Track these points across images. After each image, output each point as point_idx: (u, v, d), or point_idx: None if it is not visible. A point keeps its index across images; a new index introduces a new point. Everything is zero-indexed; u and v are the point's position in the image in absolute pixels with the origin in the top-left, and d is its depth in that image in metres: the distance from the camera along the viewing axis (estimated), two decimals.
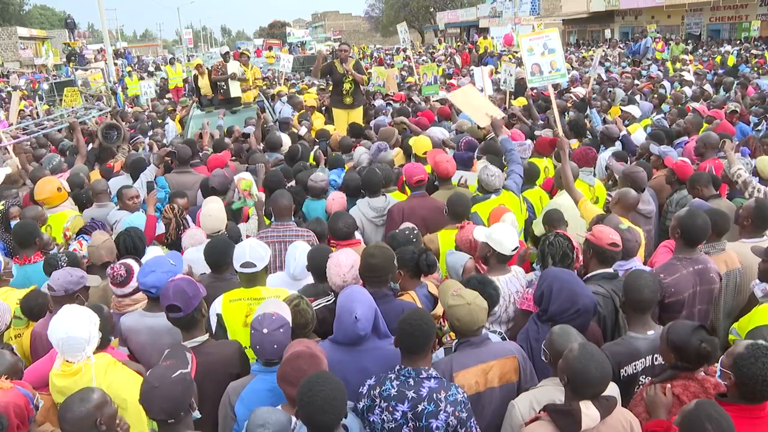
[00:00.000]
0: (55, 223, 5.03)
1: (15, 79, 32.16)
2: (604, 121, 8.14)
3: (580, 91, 9.86)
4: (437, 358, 2.96)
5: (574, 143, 6.57)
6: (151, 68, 33.45)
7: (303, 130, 8.04)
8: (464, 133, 6.97)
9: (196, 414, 2.46)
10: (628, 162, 5.78)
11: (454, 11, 47.96)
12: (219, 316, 3.37)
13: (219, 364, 2.96)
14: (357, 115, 9.15)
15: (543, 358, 2.76)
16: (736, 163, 5.06)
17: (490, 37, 27.00)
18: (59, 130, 9.66)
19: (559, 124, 5.93)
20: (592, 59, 13.80)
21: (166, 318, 3.05)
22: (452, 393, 2.56)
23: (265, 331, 2.69)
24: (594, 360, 2.37)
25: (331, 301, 3.34)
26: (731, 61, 16.81)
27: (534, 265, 3.77)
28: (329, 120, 9.65)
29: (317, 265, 3.59)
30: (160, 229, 4.80)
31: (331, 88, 9.40)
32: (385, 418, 2.56)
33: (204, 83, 10.79)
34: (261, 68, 16.54)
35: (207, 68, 11.09)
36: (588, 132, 7.36)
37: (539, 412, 2.48)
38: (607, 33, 31.27)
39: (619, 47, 23.40)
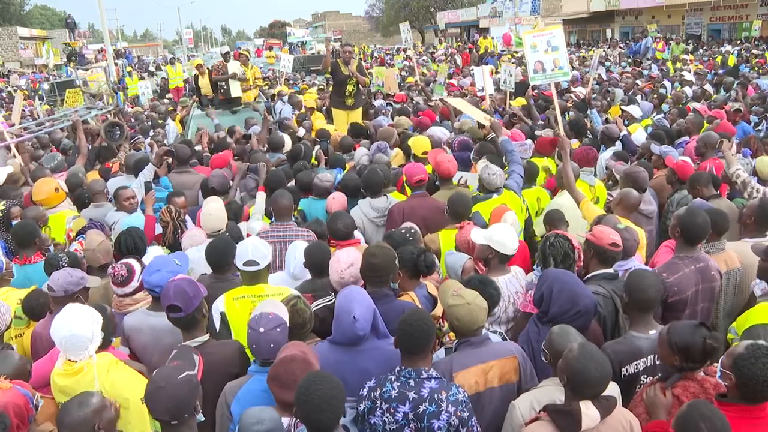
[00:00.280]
0: (54, 224, 5.03)
1: (15, 79, 32.19)
2: (606, 121, 8.15)
3: (581, 91, 9.86)
4: (438, 358, 2.96)
5: (575, 143, 6.56)
6: (151, 68, 33.49)
7: (302, 131, 8.03)
8: (464, 132, 6.97)
9: (200, 417, 2.46)
10: (629, 162, 5.78)
11: (455, 11, 47.97)
12: (222, 314, 3.38)
13: (220, 364, 2.96)
14: (357, 116, 9.16)
15: (543, 359, 2.76)
16: (734, 163, 5.06)
17: (491, 36, 27.00)
18: (61, 129, 9.66)
19: (561, 124, 5.93)
20: (592, 59, 13.78)
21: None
22: (453, 393, 2.56)
23: (261, 330, 2.69)
24: (594, 360, 2.37)
25: (332, 300, 3.33)
26: (732, 61, 16.80)
27: (534, 266, 3.77)
28: (329, 120, 9.65)
29: (314, 261, 3.61)
30: (159, 229, 4.80)
31: (331, 89, 9.39)
32: (386, 419, 2.56)
33: (204, 83, 10.79)
34: (261, 68, 16.55)
35: (207, 68, 11.09)
36: (588, 132, 7.36)
37: (539, 412, 2.48)
38: (608, 33, 31.27)
39: (620, 47, 23.40)
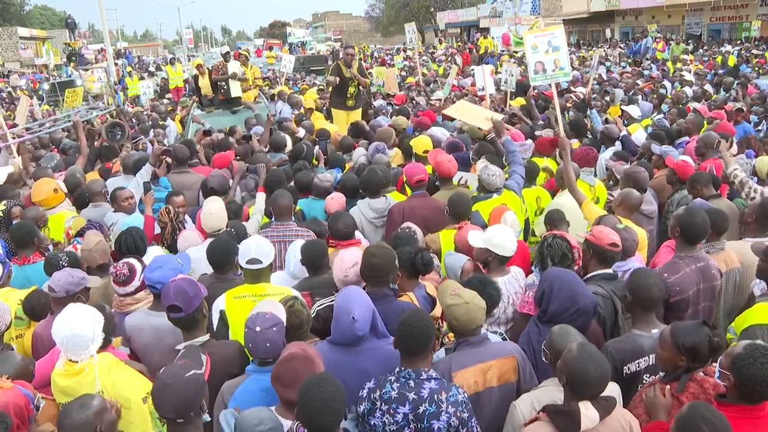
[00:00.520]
0: (53, 225, 5.03)
1: (15, 79, 32.18)
2: (605, 121, 8.15)
3: (581, 91, 9.87)
4: (438, 358, 2.96)
5: (575, 143, 6.56)
6: (151, 68, 33.50)
7: (301, 132, 8.03)
8: (465, 132, 6.97)
9: (206, 417, 2.46)
10: (629, 162, 5.78)
11: (455, 11, 47.93)
12: (222, 312, 3.38)
13: (220, 364, 2.96)
14: (356, 116, 9.17)
15: (543, 359, 2.76)
16: (732, 163, 5.07)
17: (491, 36, 27.01)
18: (64, 129, 9.68)
19: (561, 124, 5.93)
20: (592, 59, 13.80)
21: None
22: (453, 393, 2.56)
23: (258, 329, 2.70)
24: (593, 360, 2.37)
25: (335, 300, 3.34)
26: (732, 61, 16.80)
27: (533, 267, 3.77)
28: (329, 120, 9.64)
29: (310, 257, 3.62)
30: (158, 229, 4.80)
31: (331, 89, 9.39)
32: (386, 420, 2.56)
33: (204, 83, 10.79)
34: (261, 68, 16.54)
35: (207, 68, 11.09)
36: (588, 132, 7.36)
37: (539, 413, 2.48)
38: (608, 33, 31.26)
39: (620, 47, 23.41)
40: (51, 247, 4.62)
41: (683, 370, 2.65)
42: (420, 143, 5.74)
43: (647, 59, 19.23)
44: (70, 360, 2.79)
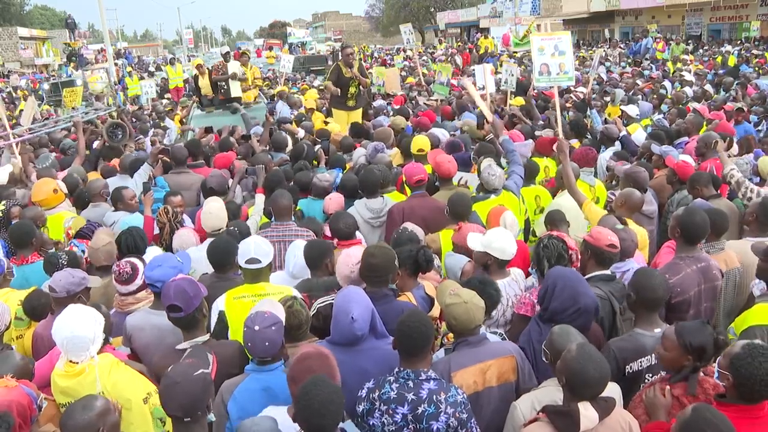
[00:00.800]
0: (52, 225, 5.03)
1: (16, 79, 32.19)
2: (605, 121, 8.15)
3: (582, 91, 9.87)
4: (437, 358, 2.96)
5: (575, 143, 6.57)
6: (151, 68, 33.50)
7: (301, 133, 8.03)
8: (465, 132, 6.98)
9: (211, 417, 2.46)
10: (629, 162, 5.78)
11: (455, 11, 47.95)
12: (222, 312, 3.38)
13: (220, 364, 2.95)
14: (357, 116, 9.17)
15: (543, 359, 2.76)
16: (728, 163, 5.08)
17: (491, 37, 27.01)
18: (67, 129, 9.68)
19: (560, 125, 5.93)
20: (591, 59, 13.79)
21: None
22: (452, 394, 2.56)
23: (256, 328, 2.70)
24: (592, 360, 2.37)
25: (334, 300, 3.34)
26: (732, 61, 16.79)
27: (530, 269, 3.77)
28: (330, 119, 9.65)
29: (313, 256, 3.63)
30: (157, 230, 4.80)
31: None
32: (385, 421, 2.56)
33: (204, 83, 10.78)
34: (261, 68, 16.52)
35: (207, 68, 11.08)
36: (588, 132, 7.36)
37: (538, 413, 2.48)
38: (608, 33, 31.26)
39: (620, 47, 23.40)
40: (53, 248, 4.61)
41: (689, 370, 2.64)
42: (416, 143, 5.73)
43: (647, 59, 19.22)
44: (71, 361, 2.79)
